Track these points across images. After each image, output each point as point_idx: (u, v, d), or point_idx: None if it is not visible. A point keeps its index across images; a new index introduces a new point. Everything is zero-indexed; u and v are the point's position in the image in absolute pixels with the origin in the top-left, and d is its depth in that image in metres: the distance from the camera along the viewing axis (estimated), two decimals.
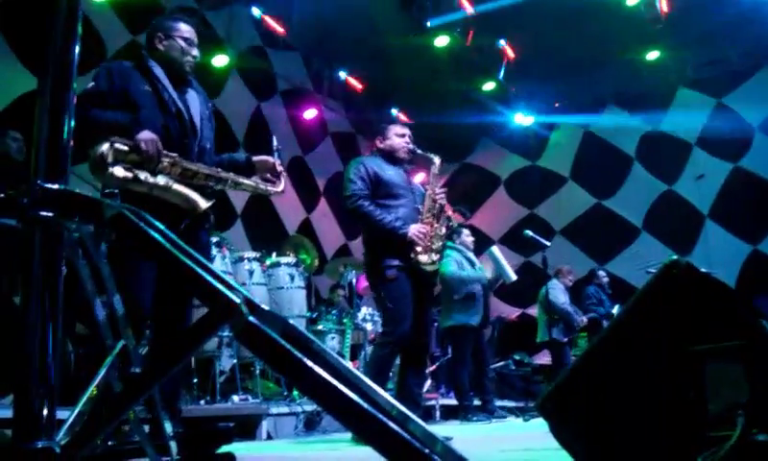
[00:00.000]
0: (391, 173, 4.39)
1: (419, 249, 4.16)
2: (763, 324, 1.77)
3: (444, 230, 4.38)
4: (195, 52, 3.29)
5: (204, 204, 3.00)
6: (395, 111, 11.24)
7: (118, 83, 3.06)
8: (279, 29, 9.14)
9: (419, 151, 4.55)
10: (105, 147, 2.80)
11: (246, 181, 3.31)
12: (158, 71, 3.16)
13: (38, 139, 1.12)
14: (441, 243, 4.34)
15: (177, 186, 2.95)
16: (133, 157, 2.87)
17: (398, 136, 4.51)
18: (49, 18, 1.18)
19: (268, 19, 9.00)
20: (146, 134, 2.90)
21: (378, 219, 4.19)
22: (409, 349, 4.27)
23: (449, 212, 4.53)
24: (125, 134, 2.89)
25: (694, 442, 1.76)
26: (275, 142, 3.60)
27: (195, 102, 3.28)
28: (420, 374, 4.47)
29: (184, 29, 3.28)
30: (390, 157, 4.49)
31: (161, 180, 2.91)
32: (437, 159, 4.53)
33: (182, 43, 3.24)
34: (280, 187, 3.48)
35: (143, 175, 2.86)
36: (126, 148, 2.86)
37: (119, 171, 2.81)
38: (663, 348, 1.87)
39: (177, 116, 3.13)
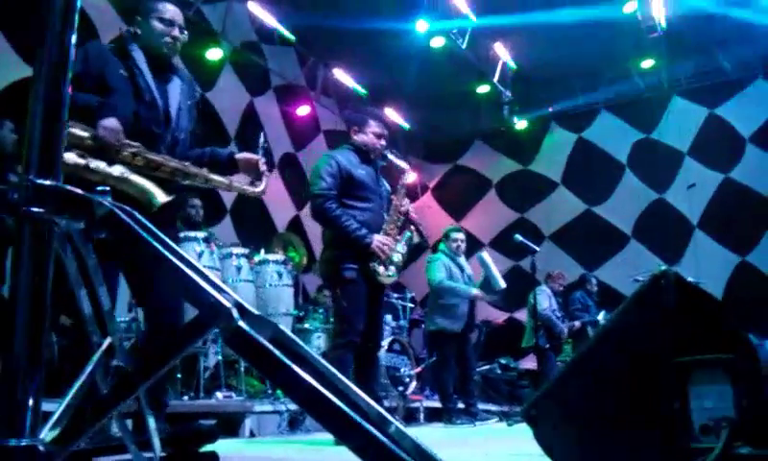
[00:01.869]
0: (362, 172, 4.32)
1: (378, 260, 4.20)
2: (749, 336, 1.78)
3: (404, 246, 4.39)
4: (176, 32, 3.09)
5: (162, 197, 2.79)
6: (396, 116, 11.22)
7: (94, 65, 2.93)
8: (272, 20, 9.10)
9: (391, 157, 4.50)
10: None
11: (218, 179, 3.08)
12: (138, 56, 3.02)
13: (31, 133, 1.10)
14: (399, 256, 4.34)
15: (134, 177, 2.76)
16: (91, 144, 2.71)
17: (375, 136, 4.40)
18: (45, 7, 1.16)
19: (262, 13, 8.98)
20: (108, 122, 2.75)
21: (345, 225, 4.16)
22: (360, 350, 4.26)
23: (412, 228, 4.50)
24: (93, 118, 2.75)
25: (677, 453, 1.77)
26: (261, 139, 3.34)
27: (176, 90, 3.13)
28: (371, 374, 4.50)
29: (163, 9, 3.09)
30: (362, 153, 4.40)
31: (117, 169, 2.72)
32: (409, 171, 4.51)
33: (159, 24, 3.06)
34: (260, 188, 3.22)
35: (95, 163, 2.68)
36: (85, 134, 2.71)
37: (70, 157, 2.62)
38: (649, 358, 1.88)
39: (150, 105, 2.99)
